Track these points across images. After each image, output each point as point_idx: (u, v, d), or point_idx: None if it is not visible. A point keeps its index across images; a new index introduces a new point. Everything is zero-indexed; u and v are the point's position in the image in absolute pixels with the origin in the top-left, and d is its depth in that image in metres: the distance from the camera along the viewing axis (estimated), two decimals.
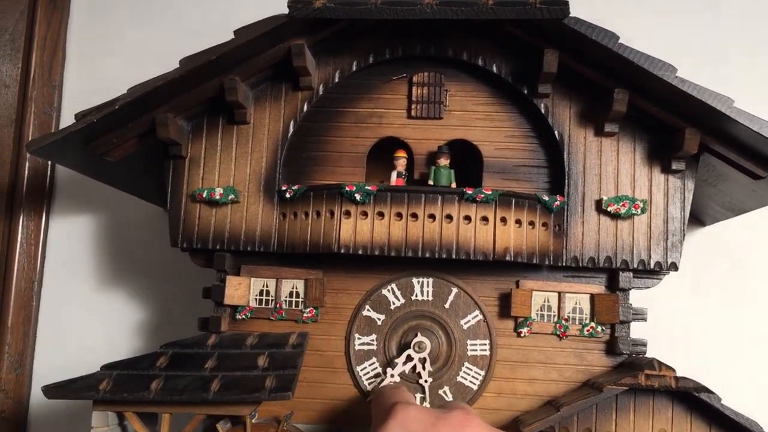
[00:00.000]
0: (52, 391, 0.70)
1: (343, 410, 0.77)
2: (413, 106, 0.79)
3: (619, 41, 0.68)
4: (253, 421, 0.73)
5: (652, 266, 0.75)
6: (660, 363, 0.69)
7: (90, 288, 1.10)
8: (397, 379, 0.75)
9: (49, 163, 1.12)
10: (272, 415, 0.76)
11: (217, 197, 0.78)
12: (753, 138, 0.68)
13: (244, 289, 0.79)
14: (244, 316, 0.79)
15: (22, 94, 1.12)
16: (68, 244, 1.12)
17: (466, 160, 0.79)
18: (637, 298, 0.77)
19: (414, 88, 0.79)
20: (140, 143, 0.80)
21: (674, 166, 0.74)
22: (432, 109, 0.79)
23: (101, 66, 1.14)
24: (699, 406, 0.68)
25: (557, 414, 0.69)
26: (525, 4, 0.68)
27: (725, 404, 0.67)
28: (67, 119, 1.10)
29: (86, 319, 1.09)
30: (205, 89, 0.76)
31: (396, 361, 0.76)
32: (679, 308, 1.00)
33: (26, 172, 1.12)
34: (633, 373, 0.68)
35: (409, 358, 0.75)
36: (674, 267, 0.75)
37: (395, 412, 0.57)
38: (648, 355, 0.75)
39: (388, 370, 0.76)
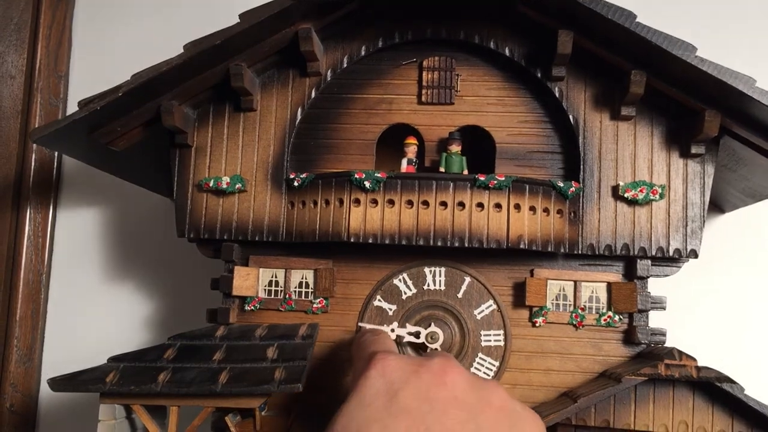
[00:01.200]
0: (58, 383, 0.69)
1: None
2: (424, 92, 0.77)
3: (636, 20, 0.66)
4: (263, 413, 0.72)
5: (671, 254, 0.73)
6: (680, 352, 0.67)
7: (98, 280, 1.10)
8: (393, 336, 0.74)
9: (56, 154, 1.11)
10: (282, 407, 0.75)
11: (224, 186, 0.76)
12: None
13: (252, 280, 0.78)
14: (252, 308, 0.78)
15: (28, 85, 1.11)
16: (76, 236, 1.11)
17: (478, 146, 0.78)
18: (656, 286, 0.75)
19: (424, 73, 0.77)
20: (145, 132, 0.79)
21: (693, 150, 0.72)
22: (443, 94, 0.77)
23: (107, 56, 1.13)
24: (721, 397, 0.66)
25: (574, 405, 0.67)
26: None
27: (748, 394, 0.65)
28: (73, 110, 1.09)
29: (94, 311, 1.09)
30: (211, 75, 0.75)
31: (408, 324, 0.75)
32: (700, 296, 0.98)
33: (33, 164, 1.11)
34: (652, 363, 0.66)
35: (416, 335, 0.74)
36: (694, 254, 0.73)
37: (375, 361, 0.55)
38: (667, 344, 0.73)
39: (395, 324, 0.75)
